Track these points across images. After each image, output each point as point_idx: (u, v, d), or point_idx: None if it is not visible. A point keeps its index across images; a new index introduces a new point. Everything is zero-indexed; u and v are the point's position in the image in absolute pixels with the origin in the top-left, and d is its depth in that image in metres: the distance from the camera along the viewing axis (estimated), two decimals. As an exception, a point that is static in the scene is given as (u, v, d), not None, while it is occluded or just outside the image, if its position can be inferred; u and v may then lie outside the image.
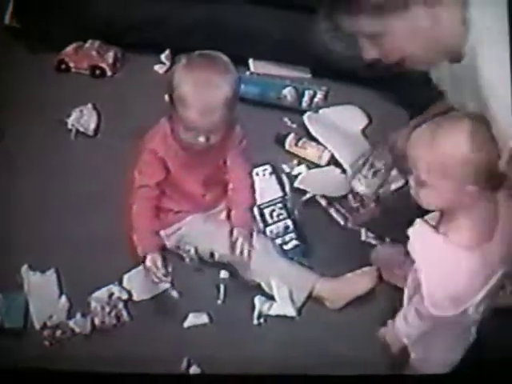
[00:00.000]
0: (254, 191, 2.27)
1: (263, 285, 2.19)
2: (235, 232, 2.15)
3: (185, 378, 2.05)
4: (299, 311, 2.17)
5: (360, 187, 2.27)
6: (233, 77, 1.97)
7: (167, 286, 2.20)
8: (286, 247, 2.31)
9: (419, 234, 1.66)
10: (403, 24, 1.49)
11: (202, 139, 1.98)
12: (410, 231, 1.67)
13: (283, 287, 2.16)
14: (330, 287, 2.18)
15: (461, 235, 1.60)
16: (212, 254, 2.18)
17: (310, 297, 2.19)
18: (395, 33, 1.51)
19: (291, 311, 2.15)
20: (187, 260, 2.23)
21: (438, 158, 1.54)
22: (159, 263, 2.07)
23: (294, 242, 2.32)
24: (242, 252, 2.12)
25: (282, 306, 2.15)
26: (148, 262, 2.07)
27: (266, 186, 2.43)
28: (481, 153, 1.51)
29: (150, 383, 1.87)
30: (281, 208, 2.37)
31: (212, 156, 2.12)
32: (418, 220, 1.69)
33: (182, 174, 2.13)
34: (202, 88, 1.91)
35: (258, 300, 2.18)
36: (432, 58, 1.59)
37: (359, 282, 2.18)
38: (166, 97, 1.99)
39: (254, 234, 2.24)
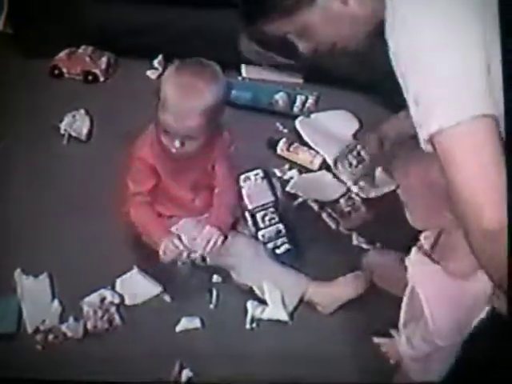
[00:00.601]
0: (238, 196, 2.29)
1: (255, 289, 2.19)
2: (206, 229, 2.15)
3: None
4: (291, 315, 2.16)
5: (343, 173, 2.27)
6: (219, 87, 1.96)
7: (160, 289, 2.21)
8: (278, 251, 2.31)
9: (417, 264, 1.66)
10: (317, 13, 1.50)
11: (176, 144, 1.98)
12: (407, 261, 1.68)
13: (275, 291, 2.16)
14: (322, 292, 2.18)
15: (458, 264, 1.57)
16: (204, 258, 2.18)
17: (301, 301, 2.19)
18: (314, 23, 1.51)
19: (283, 316, 2.15)
20: (180, 264, 2.22)
21: (411, 182, 1.54)
22: (177, 241, 2.10)
23: (286, 246, 2.32)
24: (204, 249, 2.13)
25: (275, 311, 2.15)
26: (164, 243, 2.09)
27: (258, 191, 2.43)
28: None
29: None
30: (272, 212, 2.37)
31: (199, 162, 2.12)
32: (413, 249, 1.68)
33: (170, 179, 2.14)
34: (181, 93, 1.91)
35: (250, 304, 2.18)
36: (358, 35, 1.58)
37: (350, 285, 2.18)
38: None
39: (246, 238, 2.26)
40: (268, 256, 2.24)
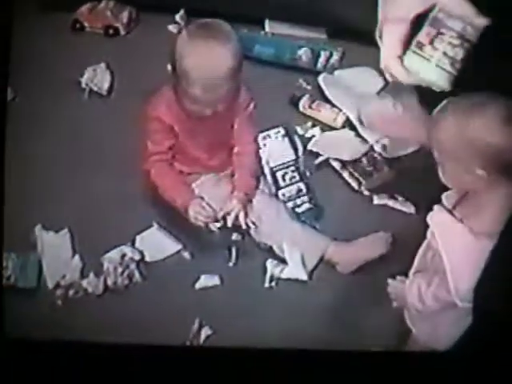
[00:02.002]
0: (258, 157, 2.25)
1: (275, 248, 2.17)
2: (233, 197, 2.11)
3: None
4: (310, 275, 2.15)
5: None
6: (235, 45, 1.92)
7: (180, 247, 2.20)
8: (298, 210, 2.29)
9: (440, 222, 1.63)
10: None
11: (208, 111, 1.96)
12: (429, 218, 1.64)
13: (295, 251, 2.14)
14: (342, 251, 2.16)
15: (482, 222, 1.55)
16: (224, 217, 2.15)
17: (321, 260, 2.17)
18: None
19: (303, 275, 2.14)
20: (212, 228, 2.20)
21: (445, 139, 1.50)
22: (205, 204, 2.07)
23: (307, 206, 2.30)
24: (235, 217, 2.10)
25: (294, 270, 2.14)
26: (194, 209, 2.06)
27: (279, 149, 2.40)
28: (488, 137, 1.46)
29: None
30: (293, 171, 2.35)
31: (218, 122, 2.08)
32: (435, 207, 1.65)
33: (188, 139, 2.11)
34: (204, 63, 1.87)
35: (269, 263, 2.17)
36: None
37: (371, 246, 2.16)
38: (169, 67, 1.96)
39: (266, 196, 2.23)
40: (288, 215, 2.21)
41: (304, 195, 2.31)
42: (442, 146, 1.53)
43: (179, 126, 2.07)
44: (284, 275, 2.15)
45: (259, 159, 2.25)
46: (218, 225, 2.10)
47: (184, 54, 1.90)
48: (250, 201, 2.15)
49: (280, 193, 2.32)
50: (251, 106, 2.14)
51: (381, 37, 1.42)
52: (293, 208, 2.27)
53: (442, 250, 1.60)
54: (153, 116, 2.07)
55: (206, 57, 1.88)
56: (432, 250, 1.68)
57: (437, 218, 1.64)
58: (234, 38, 1.93)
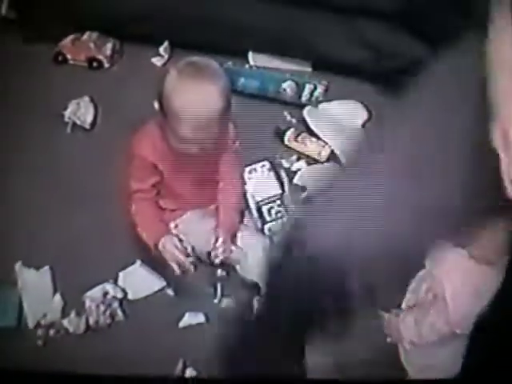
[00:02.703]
0: (243, 193, 2.21)
1: (261, 284, 2.10)
2: (217, 232, 2.05)
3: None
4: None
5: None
6: (224, 84, 1.87)
7: (163, 284, 2.14)
8: (284, 245, 2.22)
9: (440, 248, 1.59)
10: None
11: (195, 149, 1.91)
12: None
13: None
14: None
15: (484, 251, 1.52)
16: (209, 254, 2.10)
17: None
18: None
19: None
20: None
21: None
22: (176, 242, 2.01)
23: (293, 240, 2.24)
24: (220, 252, 2.04)
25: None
26: (164, 246, 2.01)
27: (264, 183, 2.35)
28: None
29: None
30: (279, 205, 2.29)
31: (204, 159, 2.02)
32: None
33: (172, 176, 2.05)
34: (194, 103, 1.82)
35: (257, 301, 2.10)
36: None
37: None
38: (156, 104, 1.90)
39: (252, 231, 2.17)
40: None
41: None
42: None
43: (164, 164, 2.01)
44: (270, 313, 2.08)
45: (244, 194, 2.19)
46: (190, 260, 2.05)
47: (173, 94, 1.84)
48: (235, 236, 2.09)
49: (266, 227, 2.26)
50: (237, 142, 2.09)
51: None
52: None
53: (443, 275, 1.56)
54: (136, 153, 2.00)
55: (196, 97, 1.83)
56: (430, 278, 1.62)
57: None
58: (222, 77, 1.88)
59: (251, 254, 2.09)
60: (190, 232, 2.10)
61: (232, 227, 2.09)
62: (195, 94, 1.82)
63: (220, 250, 2.03)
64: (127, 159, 2.03)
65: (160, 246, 2.01)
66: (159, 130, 1.95)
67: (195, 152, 1.91)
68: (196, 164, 2.01)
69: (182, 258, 2.01)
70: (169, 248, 2.01)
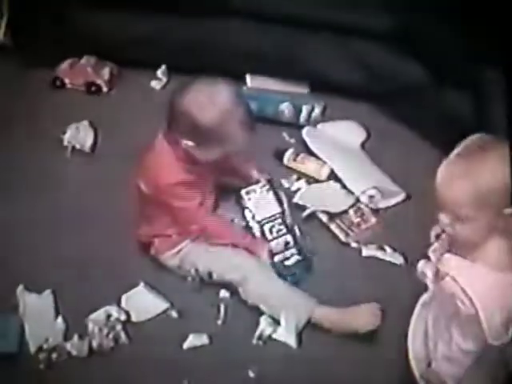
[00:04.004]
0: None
1: (262, 307, 2.04)
2: None
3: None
4: (299, 342, 2.01)
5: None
6: (235, 92, 1.93)
7: (167, 305, 2.08)
8: (287, 263, 2.16)
9: (455, 265, 1.54)
10: None
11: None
12: (443, 265, 1.56)
13: (292, 315, 2.01)
14: (330, 316, 2.02)
15: (502, 259, 1.48)
16: (210, 274, 2.04)
17: (308, 323, 2.02)
18: None
19: (292, 341, 2.00)
20: (189, 280, 2.10)
21: (479, 189, 1.42)
22: None
23: (296, 257, 2.18)
24: None
25: (286, 334, 2.01)
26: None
27: (264, 202, 2.27)
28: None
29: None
30: (280, 224, 2.22)
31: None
32: (446, 255, 1.57)
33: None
34: (219, 119, 1.87)
35: (263, 320, 2.04)
36: None
37: (361, 318, 2.01)
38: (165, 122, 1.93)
39: (253, 253, 2.12)
40: (275, 274, 2.09)
41: (292, 247, 2.18)
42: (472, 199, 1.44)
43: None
44: (275, 336, 2.01)
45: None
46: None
47: (198, 111, 1.87)
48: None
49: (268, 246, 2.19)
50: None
51: None
52: (282, 261, 2.15)
53: (469, 290, 1.49)
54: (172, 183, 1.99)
55: (223, 115, 1.87)
56: (442, 296, 1.58)
57: (453, 262, 1.54)
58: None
59: (252, 278, 2.04)
60: (195, 253, 2.10)
61: None
62: (220, 110, 1.89)
63: None
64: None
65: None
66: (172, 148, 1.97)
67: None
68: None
69: None
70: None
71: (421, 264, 1.65)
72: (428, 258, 1.65)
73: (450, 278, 1.52)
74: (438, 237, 1.69)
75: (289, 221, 2.24)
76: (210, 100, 1.86)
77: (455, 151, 1.48)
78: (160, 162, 2.00)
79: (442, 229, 1.59)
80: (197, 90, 1.88)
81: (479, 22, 2.03)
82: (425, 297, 1.70)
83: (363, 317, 2.00)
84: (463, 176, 1.43)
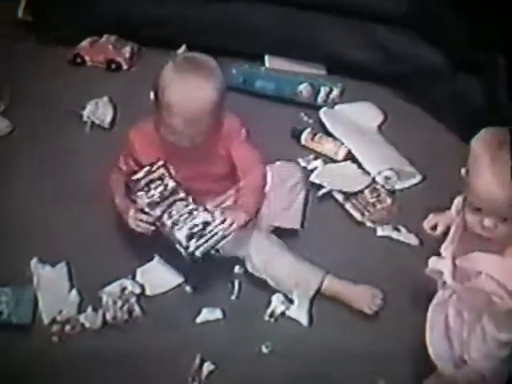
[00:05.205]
0: (265, 180, 2.01)
1: (269, 281, 1.97)
2: (227, 212, 1.89)
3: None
4: (311, 321, 1.94)
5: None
6: (219, 81, 1.81)
7: (181, 280, 2.01)
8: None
9: (494, 264, 1.45)
10: None
11: (186, 143, 1.84)
12: (472, 262, 1.48)
13: (305, 294, 1.95)
14: (337, 288, 1.96)
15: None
16: (217, 250, 1.93)
17: (318, 292, 1.96)
18: None
19: (304, 320, 1.94)
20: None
21: None
22: (140, 215, 1.89)
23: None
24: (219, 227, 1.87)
25: (298, 312, 1.94)
26: (131, 219, 1.91)
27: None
28: None
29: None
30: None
31: (199, 152, 1.92)
32: (473, 253, 1.48)
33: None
34: (187, 97, 1.76)
35: (275, 298, 1.97)
36: None
37: (363, 298, 1.95)
38: (152, 95, 1.84)
39: (263, 230, 2.04)
40: (280, 248, 2.00)
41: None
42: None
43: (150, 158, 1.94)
44: (287, 313, 1.95)
45: (265, 182, 2.03)
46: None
47: (168, 86, 1.79)
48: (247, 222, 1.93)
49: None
50: (242, 132, 1.97)
51: None
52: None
53: (509, 285, 1.41)
54: (129, 139, 1.97)
55: (189, 91, 1.77)
56: (471, 293, 1.50)
57: (485, 259, 1.46)
58: (218, 74, 1.82)
59: (259, 252, 1.97)
60: None
61: (249, 211, 1.92)
62: (188, 87, 1.77)
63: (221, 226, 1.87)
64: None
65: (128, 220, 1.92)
66: (157, 128, 1.88)
67: (186, 145, 1.84)
68: (190, 158, 1.92)
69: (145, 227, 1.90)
70: (135, 217, 1.90)
71: (432, 261, 1.58)
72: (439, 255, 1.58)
73: (484, 275, 1.45)
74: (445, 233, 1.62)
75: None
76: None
77: (486, 154, 1.37)
78: (143, 123, 1.97)
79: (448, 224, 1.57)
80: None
81: (492, 9, 1.97)
82: (441, 293, 1.62)
83: (363, 297, 1.94)
84: (502, 176, 1.34)
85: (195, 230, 1.86)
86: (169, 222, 1.87)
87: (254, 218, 1.97)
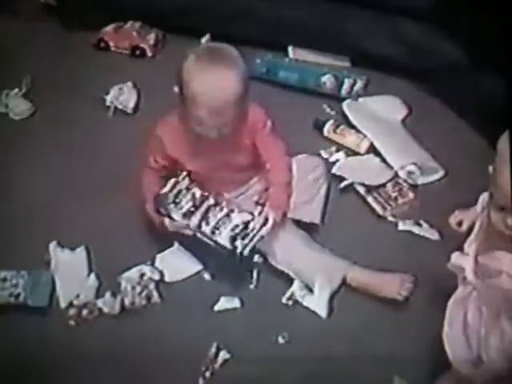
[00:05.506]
0: (291, 172, 1.97)
1: (291, 274, 1.94)
2: (265, 209, 1.86)
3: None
4: (330, 313, 1.91)
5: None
6: (242, 71, 1.77)
7: (200, 267, 1.99)
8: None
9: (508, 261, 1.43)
10: None
11: (214, 134, 1.80)
12: (490, 260, 1.45)
13: (326, 287, 1.91)
14: (362, 278, 1.93)
15: None
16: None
17: (343, 283, 1.93)
18: None
19: (323, 312, 1.90)
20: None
21: None
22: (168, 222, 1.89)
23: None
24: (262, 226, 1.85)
25: (316, 303, 1.91)
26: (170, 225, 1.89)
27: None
28: None
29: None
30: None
31: (226, 143, 1.88)
32: (497, 252, 1.44)
33: (192, 163, 1.94)
34: (211, 87, 1.72)
35: (296, 283, 1.94)
36: None
37: (391, 285, 1.91)
38: (176, 88, 1.80)
39: (285, 224, 1.98)
40: (303, 242, 1.97)
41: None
42: None
43: (179, 151, 1.93)
44: (304, 302, 1.92)
45: (292, 174, 2.00)
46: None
47: (191, 78, 1.75)
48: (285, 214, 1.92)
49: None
50: (268, 123, 1.93)
51: None
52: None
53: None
54: (156, 133, 1.95)
55: (213, 81, 1.73)
56: (492, 291, 1.48)
57: (506, 258, 1.42)
58: (240, 64, 1.78)
59: (281, 245, 1.93)
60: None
61: (282, 203, 1.90)
62: (212, 78, 1.73)
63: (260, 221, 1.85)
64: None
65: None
66: (183, 119, 1.85)
67: (214, 136, 1.81)
68: (215, 149, 1.89)
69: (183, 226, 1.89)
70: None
71: (455, 256, 1.54)
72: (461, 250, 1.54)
73: (506, 274, 1.42)
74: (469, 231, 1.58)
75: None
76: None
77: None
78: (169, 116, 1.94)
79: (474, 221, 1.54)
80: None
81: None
82: (462, 289, 1.58)
83: (393, 284, 1.90)
84: None
85: (237, 230, 1.85)
86: (207, 229, 1.86)
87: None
